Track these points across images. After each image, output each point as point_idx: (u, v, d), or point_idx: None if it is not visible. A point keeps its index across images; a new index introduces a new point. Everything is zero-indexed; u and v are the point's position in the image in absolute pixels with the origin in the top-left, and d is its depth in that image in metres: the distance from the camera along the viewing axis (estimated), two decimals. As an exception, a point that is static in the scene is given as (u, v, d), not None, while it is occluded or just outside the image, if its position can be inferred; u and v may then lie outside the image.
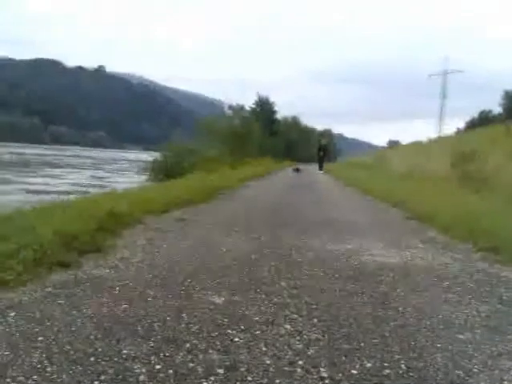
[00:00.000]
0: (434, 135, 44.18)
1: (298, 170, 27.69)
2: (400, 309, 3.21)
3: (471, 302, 3.45)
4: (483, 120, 46.66)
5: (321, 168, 29.30)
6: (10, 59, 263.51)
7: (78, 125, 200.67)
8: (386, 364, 2.34)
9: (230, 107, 43.96)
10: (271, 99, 61.08)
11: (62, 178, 29.45)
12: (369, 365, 2.32)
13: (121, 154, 74.06)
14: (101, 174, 35.57)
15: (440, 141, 31.01)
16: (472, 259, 4.91)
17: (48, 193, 16.91)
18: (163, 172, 21.61)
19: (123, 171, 38.15)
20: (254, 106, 58.12)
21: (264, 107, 59.32)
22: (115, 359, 2.24)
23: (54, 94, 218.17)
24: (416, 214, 8.15)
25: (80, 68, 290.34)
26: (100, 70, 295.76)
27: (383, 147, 56.04)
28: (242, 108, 46.06)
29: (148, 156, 23.25)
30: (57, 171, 36.17)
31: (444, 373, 2.26)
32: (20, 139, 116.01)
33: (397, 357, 2.43)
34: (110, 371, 2.12)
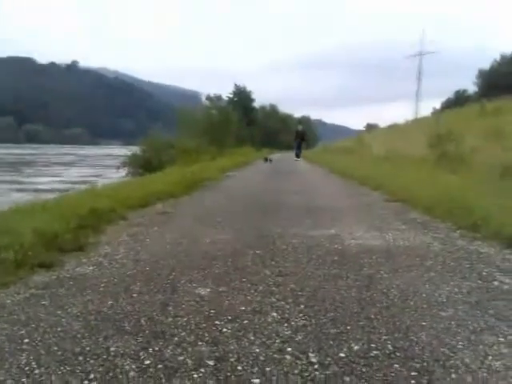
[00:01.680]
0: (411, 117, 44.56)
1: (268, 159, 24.89)
2: (384, 290, 3.26)
3: (452, 279, 3.52)
4: (459, 100, 47.10)
5: (298, 155, 28.88)
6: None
7: (53, 122, 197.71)
8: (372, 345, 2.37)
9: (208, 98, 43.76)
10: (248, 88, 60.80)
11: (47, 176, 29.08)
12: (356, 347, 2.36)
13: (100, 150, 73.21)
14: (81, 170, 35.15)
15: (417, 122, 31.35)
16: (452, 237, 5.00)
17: (33, 191, 16.74)
18: (142, 166, 21.42)
19: (103, 167, 37.75)
20: (231, 96, 57.83)
21: (241, 96, 59.00)
22: (104, 357, 2.23)
23: (27, 91, 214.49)
24: (396, 196, 8.26)
25: (53, 64, 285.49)
26: (73, 66, 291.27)
27: (362, 131, 56.19)
28: (219, 98, 45.89)
29: (127, 151, 22.96)
30: (40, 170, 35.73)
31: (429, 351, 2.31)
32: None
33: (383, 338, 2.46)
34: (100, 369, 2.11)
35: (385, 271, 3.73)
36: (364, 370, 2.13)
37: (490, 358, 2.24)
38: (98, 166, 40.18)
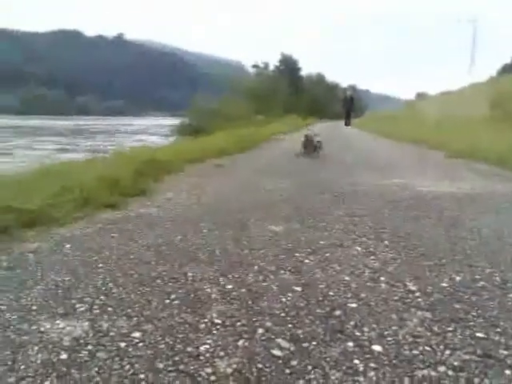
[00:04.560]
0: (463, 84, 42.52)
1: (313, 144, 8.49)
2: (475, 229, 2.99)
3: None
4: (517, 65, 44.67)
5: (347, 123, 27.82)
6: (32, 32, 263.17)
7: (101, 95, 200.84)
8: (477, 277, 2.13)
9: (254, 65, 43.22)
10: (294, 57, 59.74)
11: (107, 142, 29.33)
12: (458, 278, 2.12)
13: (149, 122, 73.66)
14: (137, 137, 35.34)
15: (473, 87, 29.96)
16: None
17: (97, 152, 16.96)
18: (191, 134, 21.38)
19: (155, 135, 38.09)
20: (277, 65, 56.90)
21: (288, 65, 58.00)
22: (182, 281, 2.08)
23: (75, 64, 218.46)
24: (459, 152, 7.82)
25: (100, 37, 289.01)
26: (119, 38, 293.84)
27: (411, 100, 54.31)
28: (266, 66, 45.26)
29: (175, 121, 23.09)
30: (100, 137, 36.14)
31: (547, 282, 2.05)
32: (47, 112, 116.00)
33: (488, 271, 2.21)
34: (180, 291, 1.96)
35: (470, 213, 3.46)
36: (474, 298, 1.89)
37: None
38: (151, 135, 40.54)
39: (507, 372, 1.37)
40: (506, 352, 1.48)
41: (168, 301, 1.86)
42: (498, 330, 1.62)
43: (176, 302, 1.86)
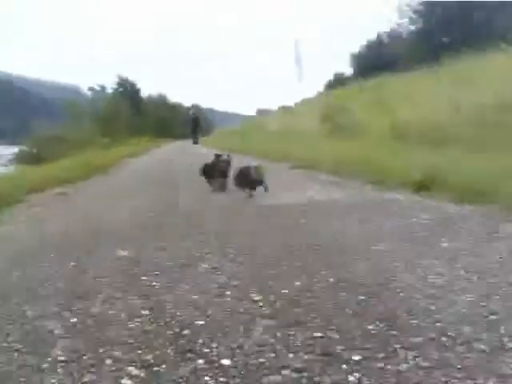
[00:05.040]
0: (296, 100, 45.36)
1: None
2: (313, 234, 3.27)
3: (376, 220, 3.63)
4: (339, 81, 48.78)
5: (195, 141, 28.13)
6: None
7: None
8: (314, 280, 2.31)
9: (91, 89, 41.90)
10: (132, 78, 59.02)
11: None
12: (298, 283, 2.27)
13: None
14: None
15: (305, 102, 32.16)
16: (365, 190, 5.22)
17: None
18: (31, 162, 20.11)
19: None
20: (116, 87, 55.49)
21: (126, 87, 56.90)
22: (21, 321, 1.95)
23: None
24: (301, 163, 8.39)
25: None
26: None
27: (253, 116, 56.53)
28: (103, 89, 44.14)
29: (14, 150, 21.50)
30: None
31: (372, 276, 2.31)
32: None
33: (323, 272, 2.41)
34: (19, 331, 1.84)
35: (309, 219, 3.76)
36: (312, 300, 2.05)
37: (429, 278, 2.25)
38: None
39: (344, 366, 1.49)
40: (341, 347, 1.61)
41: (6, 344, 1.73)
42: (333, 327, 1.77)
43: (15, 344, 1.73)
